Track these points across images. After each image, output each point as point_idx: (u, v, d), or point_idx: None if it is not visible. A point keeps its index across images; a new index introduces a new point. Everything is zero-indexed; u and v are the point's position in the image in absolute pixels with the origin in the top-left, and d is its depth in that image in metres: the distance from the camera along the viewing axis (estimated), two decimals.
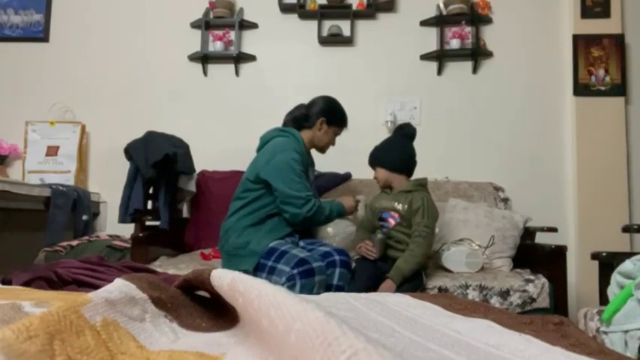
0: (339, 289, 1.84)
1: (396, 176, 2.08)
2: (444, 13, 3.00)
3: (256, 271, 1.85)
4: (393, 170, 2.08)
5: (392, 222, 2.03)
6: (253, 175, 1.98)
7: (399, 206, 2.01)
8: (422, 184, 2.08)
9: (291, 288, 1.72)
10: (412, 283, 1.88)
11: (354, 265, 2.00)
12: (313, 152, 2.21)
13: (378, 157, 2.12)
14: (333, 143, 2.16)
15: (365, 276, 1.92)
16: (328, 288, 1.83)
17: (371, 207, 2.16)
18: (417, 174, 2.20)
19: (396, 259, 1.94)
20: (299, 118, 2.10)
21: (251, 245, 1.89)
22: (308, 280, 1.74)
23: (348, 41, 3.05)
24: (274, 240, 1.89)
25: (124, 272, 1.07)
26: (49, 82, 3.16)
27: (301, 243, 2.05)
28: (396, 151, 2.09)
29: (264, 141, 2.08)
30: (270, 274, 1.82)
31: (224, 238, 2.00)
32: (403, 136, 2.14)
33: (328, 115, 2.09)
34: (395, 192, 2.08)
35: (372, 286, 1.84)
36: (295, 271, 1.75)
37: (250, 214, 1.96)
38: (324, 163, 2.63)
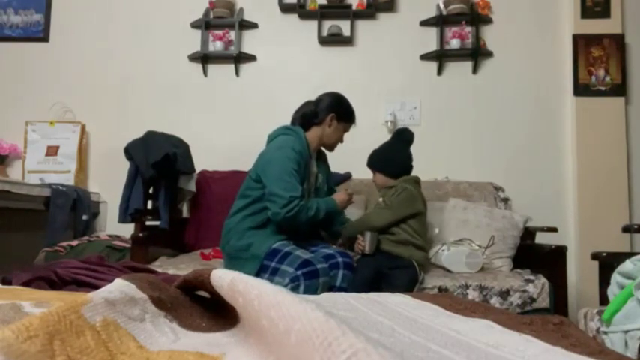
0: (341, 291, 1.84)
1: (393, 182, 2.15)
2: (444, 13, 3.00)
3: (259, 272, 1.84)
4: (391, 176, 2.16)
5: None
6: (255, 173, 1.98)
7: (381, 199, 2.13)
8: (406, 179, 2.14)
9: (295, 289, 1.71)
10: (406, 270, 1.95)
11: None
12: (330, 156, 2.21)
13: (376, 163, 2.20)
14: (341, 140, 2.13)
15: (366, 272, 1.94)
16: (331, 290, 1.82)
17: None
18: (418, 174, 2.23)
19: (390, 252, 2.02)
20: (308, 115, 2.07)
21: (252, 248, 1.88)
22: (312, 281, 1.74)
23: (348, 41, 3.05)
24: (277, 241, 1.88)
25: (124, 272, 1.07)
26: (49, 82, 3.16)
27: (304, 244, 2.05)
28: (394, 158, 2.18)
29: (270, 139, 2.07)
30: (272, 275, 1.81)
31: (225, 239, 1.99)
32: (401, 141, 2.21)
33: (338, 110, 2.05)
34: (384, 189, 2.19)
35: (372, 281, 1.88)
36: (299, 272, 1.74)
37: (252, 215, 1.95)
38: None
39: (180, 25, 3.15)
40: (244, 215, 1.96)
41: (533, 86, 2.97)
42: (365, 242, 2.02)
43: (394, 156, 2.18)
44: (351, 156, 2.73)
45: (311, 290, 1.72)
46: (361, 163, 2.44)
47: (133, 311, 0.58)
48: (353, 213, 2.54)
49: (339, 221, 2.16)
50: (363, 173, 2.70)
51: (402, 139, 2.20)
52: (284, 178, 1.86)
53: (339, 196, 2.05)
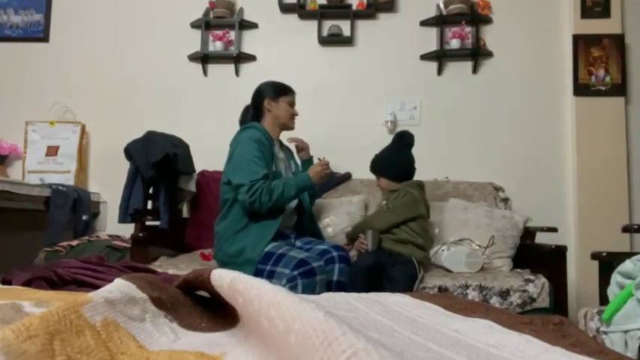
0: (339, 284, 1.84)
1: (397, 185, 2.21)
2: (444, 13, 3.00)
3: (254, 276, 1.84)
4: (394, 180, 2.22)
5: None
6: (225, 176, 2.02)
7: (384, 202, 2.18)
8: (410, 184, 2.19)
9: (293, 289, 1.71)
10: (405, 266, 1.97)
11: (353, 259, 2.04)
12: None
13: (380, 168, 2.26)
14: (294, 113, 2.15)
15: (368, 260, 1.97)
16: (328, 284, 1.83)
17: None
18: (418, 174, 2.25)
19: (392, 251, 2.05)
20: (253, 116, 2.16)
21: (246, 253, 1.88)
22: (310, 280, 1.74)
23: (348, 41, 3.05)
24: (268, 244, 1.88)
25: (124, 272, 1.07)
26: (49, 82, 3.16)
27: (298, 243, 2.05)
28: (396, 162, 2.24)
29: (230, 144, 2.10)
30: (269, 278, 1.80)
31: (217, 246, 2.00)
32: (402, 145, 2.25)
33: (268, 93, 2.12)
34: (387, 192, 2.24)
35: (372, 271, 1.91)
36: (296, 272, 1.74)
37: (236, 218, 1.97)
38: None
39: (180, 25, 3.15)
40: (230, 220, 1.98)
41: (533, 86, 2.97)
42: (367, 240, 2.07)
43: (395, 160, 2.23)
44: (351, 156, 2.74)
45: (309, 289, 1.72)
46: (361, 163, 2.45)
47: (133, 311, 0.58)
48: (354, 213, 2.55)
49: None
50: (362, 173, 2.70)
51: (403, 142, 2.24)
52: (244, 167, 1.91)
53: (313, 168, 2.01)
